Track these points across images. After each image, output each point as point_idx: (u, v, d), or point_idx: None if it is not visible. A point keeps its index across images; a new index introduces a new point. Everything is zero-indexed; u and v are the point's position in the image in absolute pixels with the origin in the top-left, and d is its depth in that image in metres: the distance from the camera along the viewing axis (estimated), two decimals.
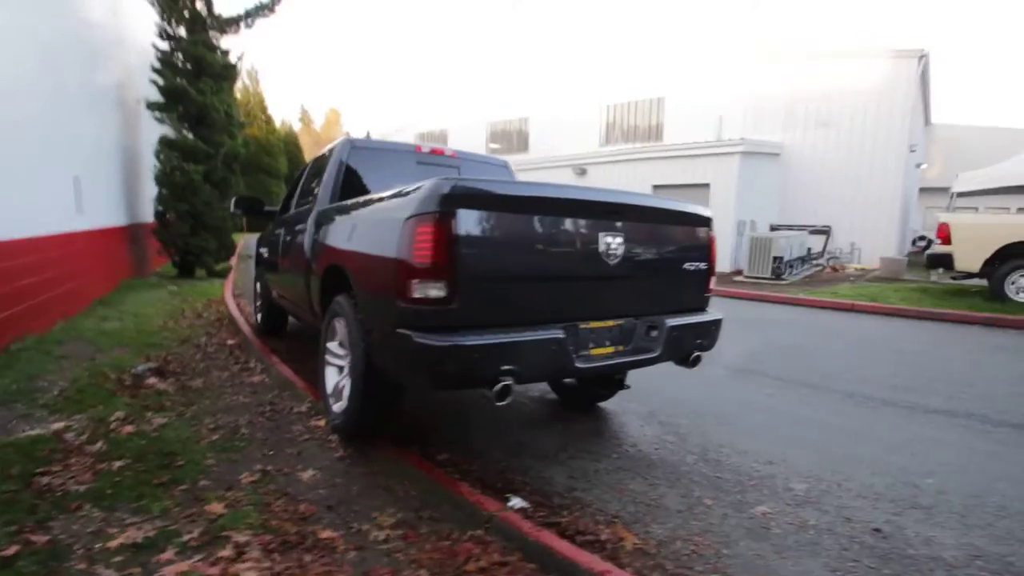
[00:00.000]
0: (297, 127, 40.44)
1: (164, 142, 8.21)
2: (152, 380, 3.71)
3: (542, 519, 2.09)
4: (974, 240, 8.60)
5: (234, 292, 7.66)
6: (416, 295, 1.93)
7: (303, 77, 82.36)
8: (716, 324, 2.74)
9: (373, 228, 2.31)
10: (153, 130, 8.59)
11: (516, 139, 21.95)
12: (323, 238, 3.01)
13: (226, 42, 8.89)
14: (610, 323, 2.36)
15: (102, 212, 6.93)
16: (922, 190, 22.01)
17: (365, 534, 2.00)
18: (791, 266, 11.98)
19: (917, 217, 22.15)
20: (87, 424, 2.87)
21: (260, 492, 2.25)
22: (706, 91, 16.18)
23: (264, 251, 5.00)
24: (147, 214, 8.82)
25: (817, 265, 14.19)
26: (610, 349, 2.35)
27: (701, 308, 2.79)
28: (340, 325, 2.73)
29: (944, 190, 17.38)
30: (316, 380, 3.13)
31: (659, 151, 14.77)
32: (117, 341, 4.66)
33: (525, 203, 2.08)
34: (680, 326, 2.51)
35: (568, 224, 2.18)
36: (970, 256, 8.59)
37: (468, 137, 23.34)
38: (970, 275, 8.82)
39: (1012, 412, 3.61)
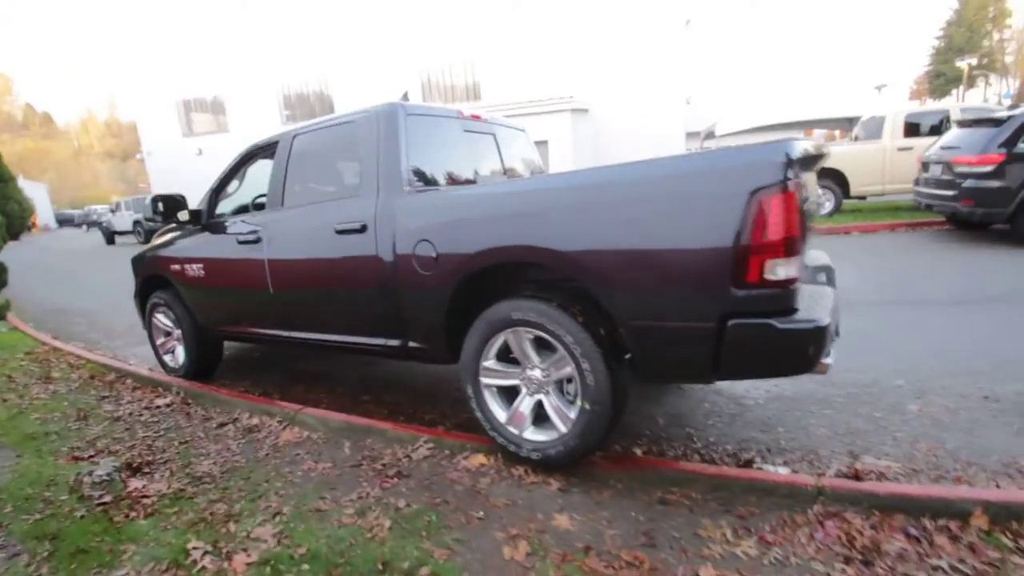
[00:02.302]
0: None
1: None
2: (137, 484, 2.45)
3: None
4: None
5: (52, 334, 5.38)
6: (769, 277, 1.67)
7: None
8: None
9: (666, 209, 1.80)
10: None
11: (317, 105, 19.50)
12: (458, 234, 2.29)
13: None
14: None
15: None
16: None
17: (719, 551, 1.75)
18: None
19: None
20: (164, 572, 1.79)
21: (573, 563, 1.75)
22: (515, 49, 16.67)
23: (185, 268, 3.61)
24: None
25: None
26: None
27: None
28: (518, 337, 2.19)
29: (697, 134, 21.63)
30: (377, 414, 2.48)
31: (500, 110, 14.86)
32: None
33: (815, 160, 1.93)
34: None
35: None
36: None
37: (252, 105, 19.87)
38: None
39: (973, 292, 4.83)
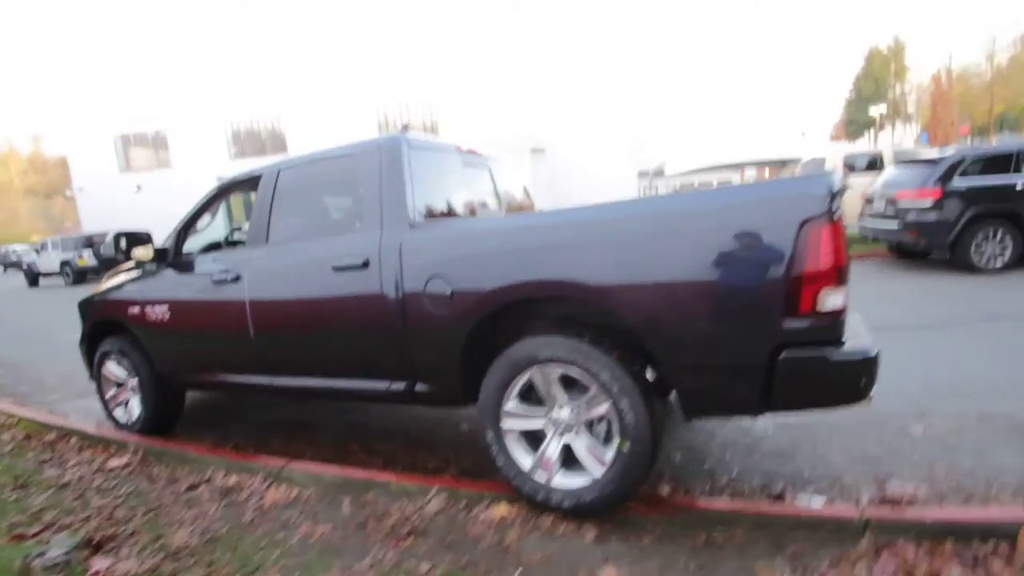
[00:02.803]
0: None
1: None
2: (102, 564, 2.08)
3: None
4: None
5: None
6: (821, 307, 1.64)
7: None
8: None
9: (712, 241, 1.72)
10: None
11: (269, 142, 19.05)
12: (475, 269, 2.16)
13: None
14: None
15: None
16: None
17: None
18: None
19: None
20: None
21: None
22: (473, 90, 17.02)
23: (145, 311, 3.25)
24: None
25: None
26: None
27: None
28: (545, 375, 2.06)
29: (647, 173, 22.66)
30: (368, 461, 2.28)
31: None
32: None
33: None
34: None
35: None
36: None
37: (198, 140, 19.19)
38: None
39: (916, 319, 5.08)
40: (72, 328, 6.59)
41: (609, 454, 1.99)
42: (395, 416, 3.65)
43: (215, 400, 4.34)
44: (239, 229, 4.06)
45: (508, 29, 17.29)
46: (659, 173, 19.11)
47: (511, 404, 2.16)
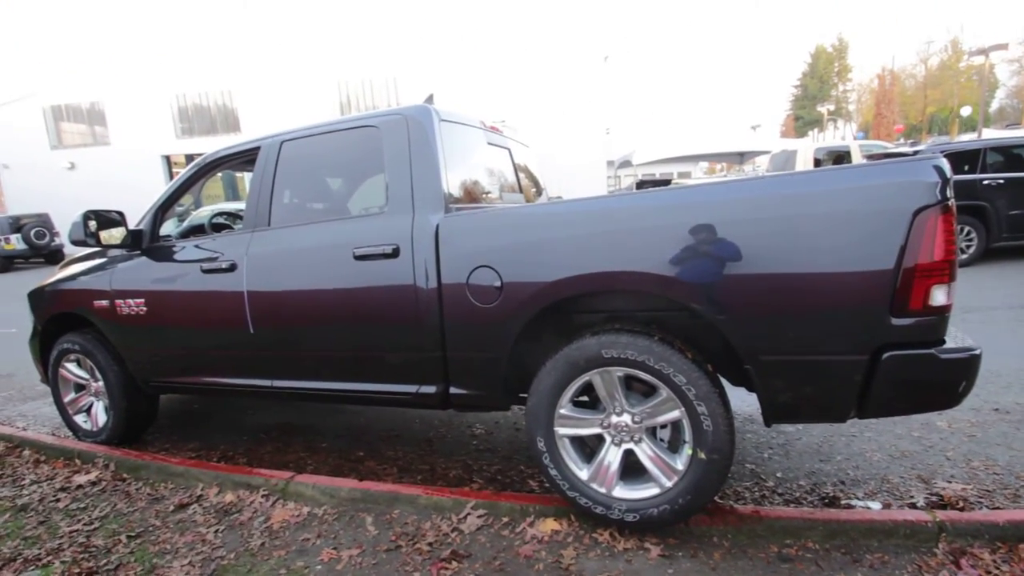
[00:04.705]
0: None
1: None
2: None
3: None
4: None
5: None
6: (931, 303, 1.52)
7: None
8: None
9: (813, 228, 1.58)
10: None
11: (220, 117, 17.82)
12: (532, 259, 1.92)
13: None
14: None
15: None
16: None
17: None
18: None
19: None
20: None
21: None
22: (440, 71, 16.47)
23: (116, 304, 2.84)
24: None
25: None
26: None
27: None
28: (607, 378, 1.87)
29: (611, 163, 22.78)
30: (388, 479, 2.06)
31: None
32: None
33: None
34: None
35: None
36: None
37: (140, 114, 17.70)
38: None
39: None
40: (4, 320, 5.89)
41: (679, 463, 1.83)
42: (396, 417, 3.39)
43: (188, 402, 3.92)
44: (223, 213, 3.64)
45: (476, 2, 16.79)
46: (626, 163, 19.18)
47: (566, 408, 1.96)
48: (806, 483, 2.35)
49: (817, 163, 9.70)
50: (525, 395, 2.17)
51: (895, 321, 1.53)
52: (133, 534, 2.21)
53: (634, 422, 1.90)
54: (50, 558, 2.05)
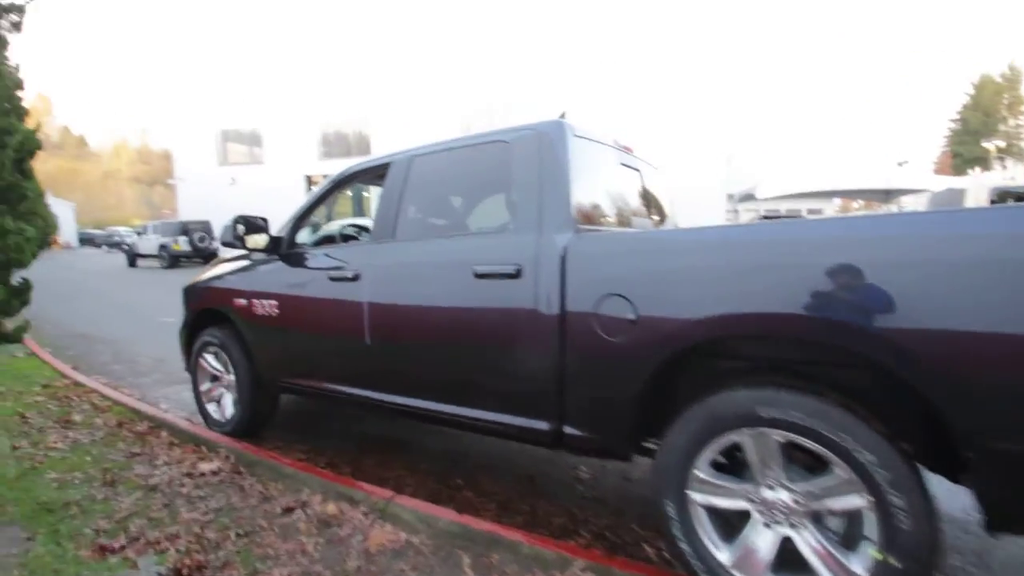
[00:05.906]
0: None
1: None
2: None
3: None
4: None
5: (72, 364, 4.77)
6: None
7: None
8: None
9: None
10: None
11: (355, 144, 19.63)
12: (678, 291, 1.68)
13: None
14: None
15: None
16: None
17: None
18: None
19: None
20: None
21: None
22: (565, 93, 16.72)
23: (252, 303, 3.02)
24: None
25: None
26: None
27: None
28: (761, 441, 1.54)
29: (730, 196, 21.44)
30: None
31: None
32: None
33: None
34: None
35: None
36: None
37: (289, 139, 20.06)
38: None
39: None
40: (166, 310, 6.69)
41: (857, 565, 1.43)
42: (496, 446, 3.22)
43: (302, 402, 4.10)
44: (354, 225, 3.82)
45: (612, 32, 16.87)
46: (748, 196, 17.88)
47: (703, 471, 1.65)
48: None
49: (993, 203, 8.26)
50: (650, 446, 1.90)
51: None
52: (242, 532, 2.24)
53: (794, 503, 1.54)
54: (167, 544, 2.13)
